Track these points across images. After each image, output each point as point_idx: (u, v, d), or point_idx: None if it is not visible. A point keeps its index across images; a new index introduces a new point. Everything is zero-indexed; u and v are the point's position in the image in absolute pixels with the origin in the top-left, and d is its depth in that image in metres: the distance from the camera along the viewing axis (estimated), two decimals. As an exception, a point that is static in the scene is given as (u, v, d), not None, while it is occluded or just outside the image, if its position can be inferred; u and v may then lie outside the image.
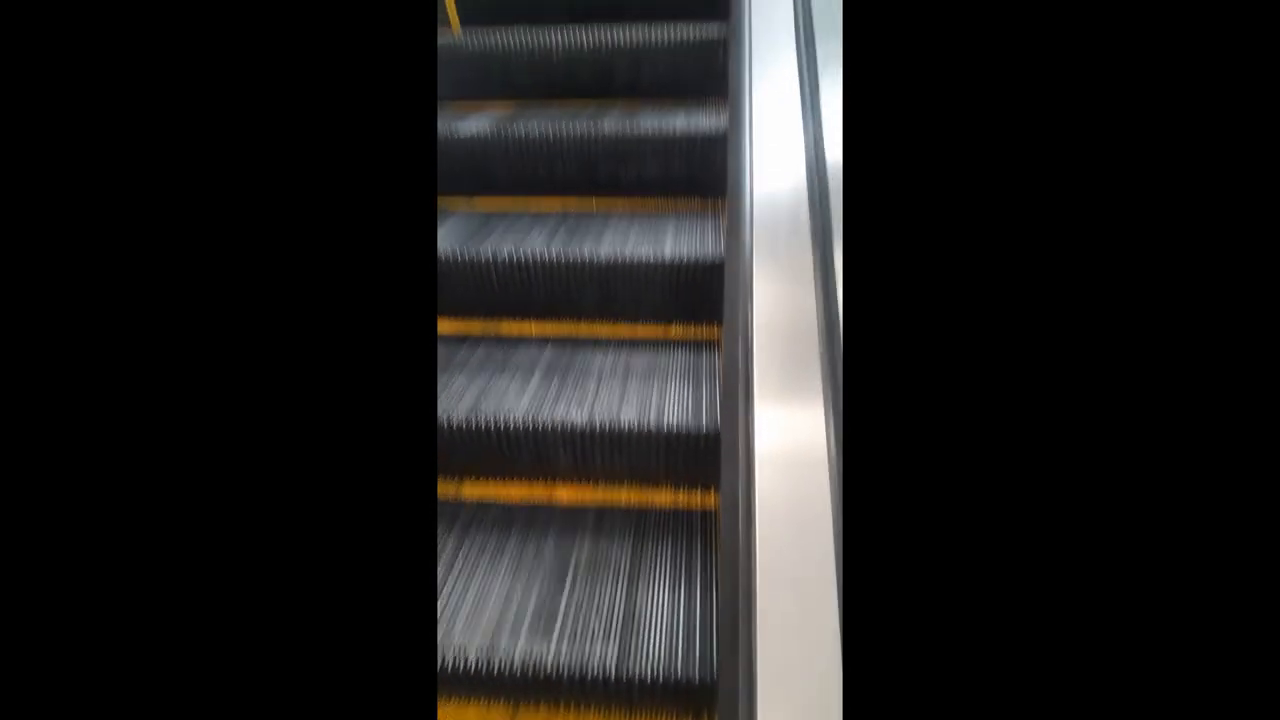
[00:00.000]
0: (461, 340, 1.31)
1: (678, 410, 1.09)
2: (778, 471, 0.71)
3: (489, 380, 1.19)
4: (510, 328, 1.37)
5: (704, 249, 1.28)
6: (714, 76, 1.62)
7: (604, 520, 1.09)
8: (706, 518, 1.08)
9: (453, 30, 1.98)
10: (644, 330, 1.35)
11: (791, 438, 0.74)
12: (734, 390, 0.85)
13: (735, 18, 1.48)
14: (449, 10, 1.97)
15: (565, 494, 1.15)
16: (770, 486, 0.70)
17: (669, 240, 1.33)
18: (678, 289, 1.29)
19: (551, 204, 1.55)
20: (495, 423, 1.08)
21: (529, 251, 1.27)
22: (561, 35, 1.62)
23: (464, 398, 1.14)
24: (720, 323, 1.32)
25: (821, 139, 1.10)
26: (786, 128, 1.19)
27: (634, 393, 1.14)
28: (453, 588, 0.98)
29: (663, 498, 1.13)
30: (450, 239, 1.36)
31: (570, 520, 1.09)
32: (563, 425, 1.06)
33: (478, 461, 1.15)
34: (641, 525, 1.07)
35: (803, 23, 1.36)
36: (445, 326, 1.38)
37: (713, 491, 1.12)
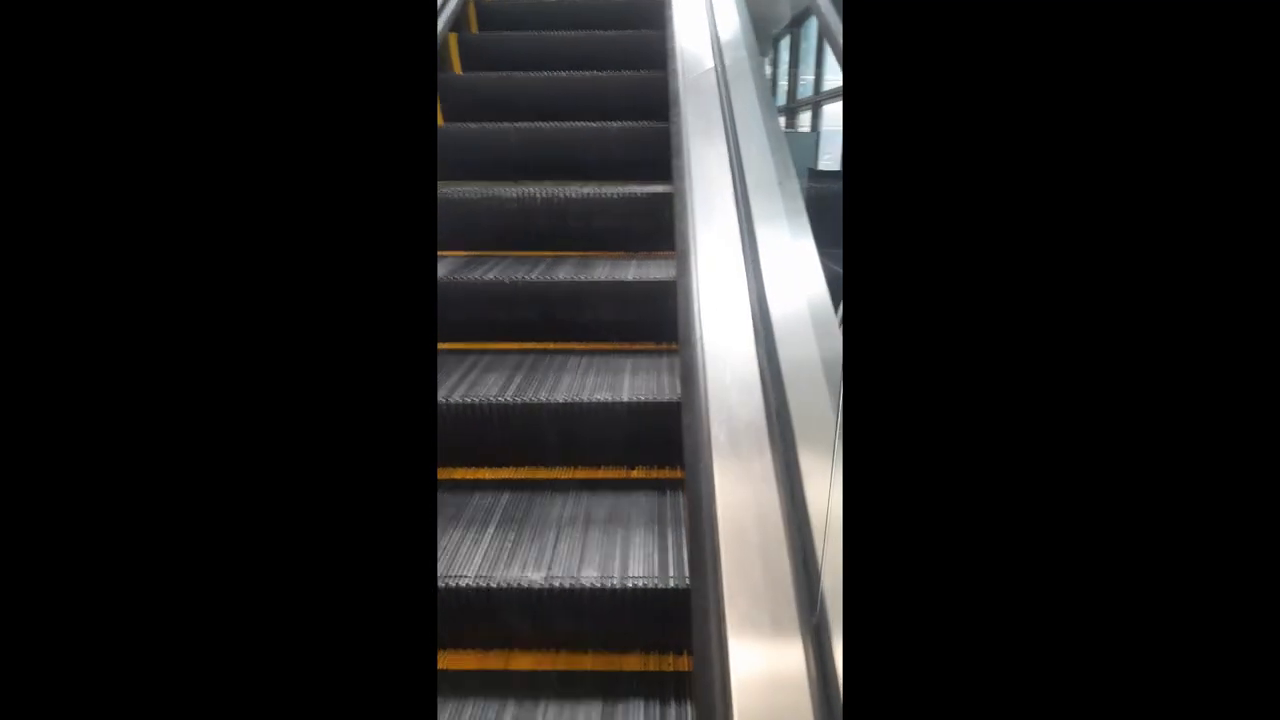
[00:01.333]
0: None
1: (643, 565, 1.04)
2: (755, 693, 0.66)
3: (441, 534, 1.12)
4: (465, 473, 1.33)
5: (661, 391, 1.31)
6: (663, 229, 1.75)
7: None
8: (680, 679, 1.01)
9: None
10: (605, 472, 1.33)
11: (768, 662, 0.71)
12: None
13: (676, 177, 1.63)
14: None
15: (524, 662, 1.06)
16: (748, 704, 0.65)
17: (626, 380, 1.36)
18: (636, 428, 1.30)
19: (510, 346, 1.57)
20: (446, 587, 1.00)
21: (486, 395, 1.27)
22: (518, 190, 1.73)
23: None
24: (680, 465, 1.32)
25: (763, 285, 1.18)
26: (729, 275, 1.28)
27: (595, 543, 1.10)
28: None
29: (631, 663, 1.05)
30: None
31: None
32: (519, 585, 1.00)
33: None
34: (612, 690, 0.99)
35: (738, 179, 1.50)
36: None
37: (685, 655, 1.05)
